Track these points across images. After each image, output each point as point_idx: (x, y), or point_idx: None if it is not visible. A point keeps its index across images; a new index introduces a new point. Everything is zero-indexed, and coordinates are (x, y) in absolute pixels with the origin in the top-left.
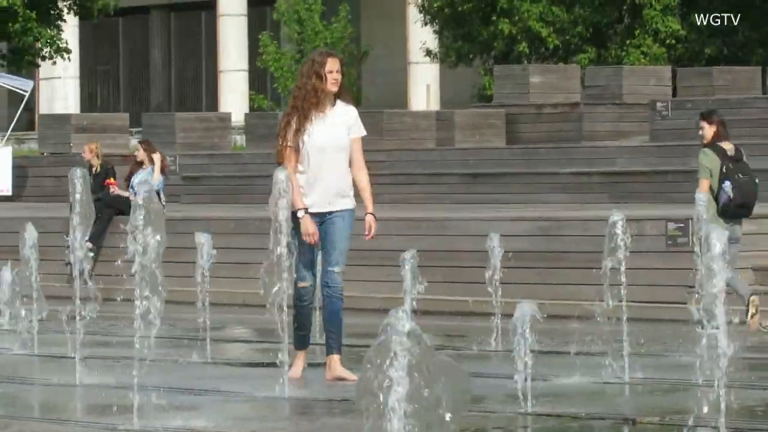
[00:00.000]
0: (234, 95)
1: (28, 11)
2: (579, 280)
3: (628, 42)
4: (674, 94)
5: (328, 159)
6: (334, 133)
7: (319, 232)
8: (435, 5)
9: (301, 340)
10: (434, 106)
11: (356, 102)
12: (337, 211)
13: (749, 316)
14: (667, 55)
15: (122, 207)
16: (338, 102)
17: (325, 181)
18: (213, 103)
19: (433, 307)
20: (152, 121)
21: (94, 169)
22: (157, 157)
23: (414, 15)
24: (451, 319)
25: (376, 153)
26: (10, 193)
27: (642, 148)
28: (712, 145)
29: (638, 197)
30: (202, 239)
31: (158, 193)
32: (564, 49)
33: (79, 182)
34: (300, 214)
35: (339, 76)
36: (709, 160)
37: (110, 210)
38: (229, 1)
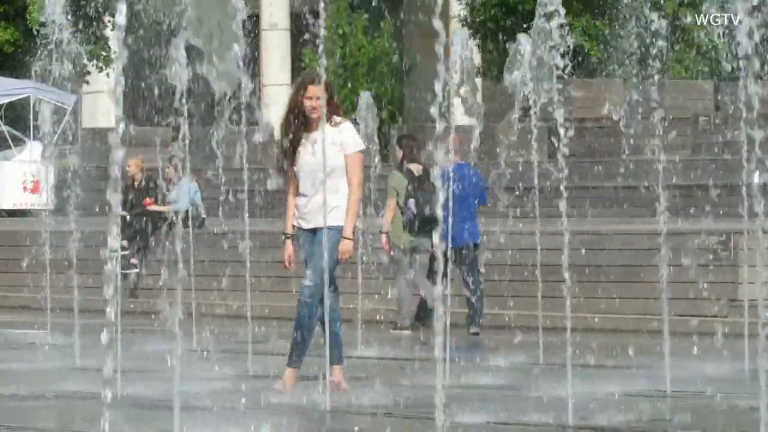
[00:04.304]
0: (277, 109)
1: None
2: (621, 294)
3: (670, 56)
4: (716, 108)
5: (313, 179)
6: (317, 153)
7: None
8: (477, 19)
9: (290, 356)
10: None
11: (398, 117)
12: (320, 228)
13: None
14: (710, 69)
15: (159, 222)
16: (329, 123)
17: (312, 201)
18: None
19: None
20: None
21: (137, 183)
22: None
23: (457, 29)
24: (495, 333)
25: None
26: (51, 207)
27: (684, 162)
28: (401, 167)
29: (680, 211)
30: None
31: (196, 207)
32: (607, 62)
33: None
34: (282, 238)
35: (317, 102)
36: (395, 182)
37: (149, 226)
38: (273, 15)
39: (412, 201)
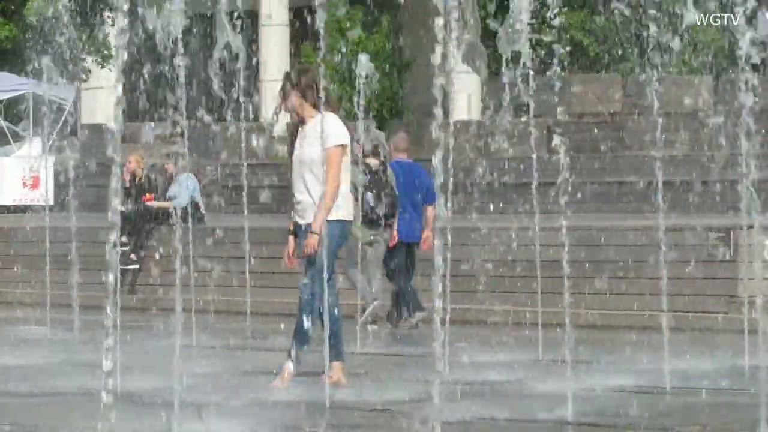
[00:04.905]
0: (275, 104)
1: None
2: (618, 290)
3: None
4: (715, 104)
5: (299, 174)
6: (304, 148)
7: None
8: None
9: (290, 352)
10: (475, 115)
11: (395, 113)
12: (308, 224)
13: (364, 317)
14: (709, 65)
15: (159, 218)
16: (315, 116)
17: (296, 196)
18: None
19: (474, 317)
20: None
21: (137, 179)
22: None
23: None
24: (494, 329)
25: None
26: (51, 203)
27: (683, 158)
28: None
29: (679, 207)
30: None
31: (196, 204)
32: (605, 57)
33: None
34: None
35: (285, 94)
36: (353, 177)
37: (149, 222)
38: (271, 11)
39: (369, 195)
